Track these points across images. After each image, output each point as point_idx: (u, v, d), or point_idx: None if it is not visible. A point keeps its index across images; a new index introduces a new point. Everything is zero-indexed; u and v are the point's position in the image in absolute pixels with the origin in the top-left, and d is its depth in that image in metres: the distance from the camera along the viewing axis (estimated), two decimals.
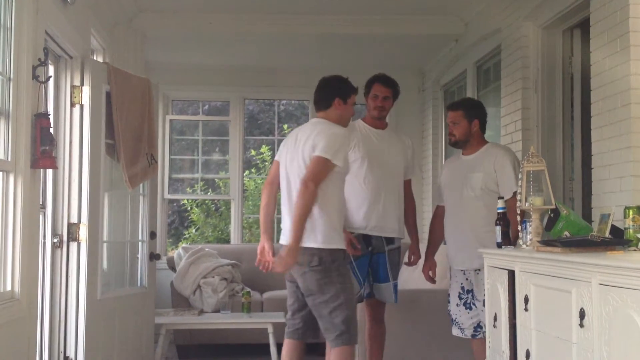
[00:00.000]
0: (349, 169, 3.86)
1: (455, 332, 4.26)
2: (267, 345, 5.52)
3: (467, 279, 4.16)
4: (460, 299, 4.20)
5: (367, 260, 4.30)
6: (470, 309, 4.15)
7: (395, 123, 6.85)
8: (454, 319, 4.26)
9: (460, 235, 4.16)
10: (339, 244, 3.70)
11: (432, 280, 4.53)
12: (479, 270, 3.97)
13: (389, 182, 4.36)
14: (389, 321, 4.56)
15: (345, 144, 3.75)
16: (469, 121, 4.21)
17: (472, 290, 4.14)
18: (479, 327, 4.12)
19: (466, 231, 4.12)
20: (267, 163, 9.26)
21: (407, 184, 4.54)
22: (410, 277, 5.31)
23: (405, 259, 4.65)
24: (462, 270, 4.19)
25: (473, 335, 4.16)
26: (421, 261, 4.60)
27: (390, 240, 4.36)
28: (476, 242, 4.00)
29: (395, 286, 4.38)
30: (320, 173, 3.62)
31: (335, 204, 3.71)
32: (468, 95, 6.29)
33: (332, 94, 3.84)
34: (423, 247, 4.65)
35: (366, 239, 4.30)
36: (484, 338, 3.86)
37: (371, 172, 4.31)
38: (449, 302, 4.31)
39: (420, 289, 5.35)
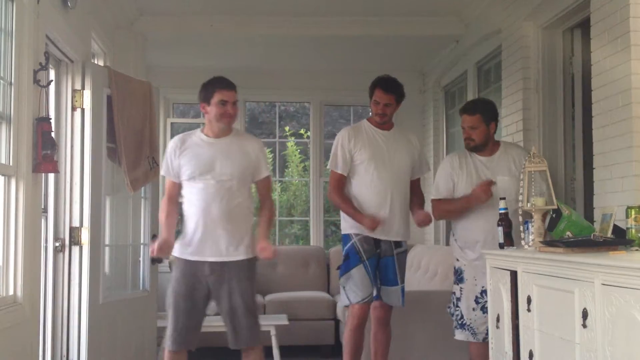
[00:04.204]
0: (192, 175, 3.75)
1: (462, 336, 4.09)
2: (270, 348, 5.51)
3: None
4: (477, 302, 4.06)
5: (374, 262, 4.28)
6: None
7: (396, 124, 6.82)
8: (466, 323, 4.09)
9: (491, 238, 3.92)
10: (176, 252, 3.82)
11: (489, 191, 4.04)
12: None
13: (396, 183, 4.31)
14: (391, 323, 4.54)
15: (169, 152, 3.79)
16: (487, 125, 4.10)
17: None
18: None
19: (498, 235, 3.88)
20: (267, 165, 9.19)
21: (416, 183, 4.49)
22: (412, 279, 5.30)
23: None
24: None
25: (484, 339, 3.97)
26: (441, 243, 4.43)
27: (398, 244, 4.33)
28: None
29: (403, 289, 4.33)
30: (166, 187, 3.87)
31: (184, 214, 3.85)
32: (469, 96, 6.28)
33: (199, 99, 3.85)
34: (428, 249, 4.60)
35: (375, 241, 4.28)
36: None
37: (377, 174, 4.27)
38: (451, 305, 4.19)
39: (422, 290, 5.36)
